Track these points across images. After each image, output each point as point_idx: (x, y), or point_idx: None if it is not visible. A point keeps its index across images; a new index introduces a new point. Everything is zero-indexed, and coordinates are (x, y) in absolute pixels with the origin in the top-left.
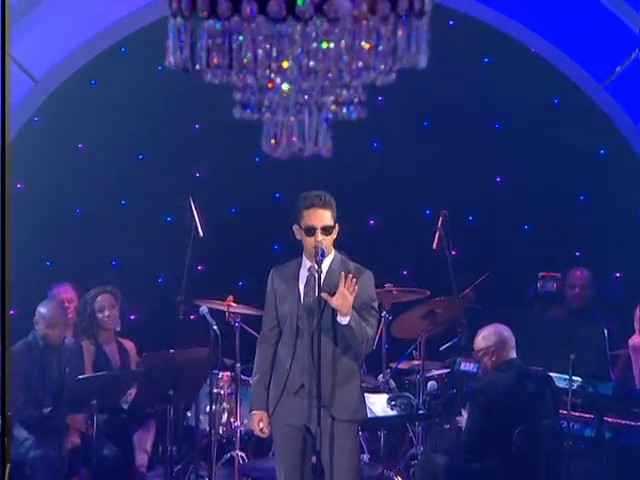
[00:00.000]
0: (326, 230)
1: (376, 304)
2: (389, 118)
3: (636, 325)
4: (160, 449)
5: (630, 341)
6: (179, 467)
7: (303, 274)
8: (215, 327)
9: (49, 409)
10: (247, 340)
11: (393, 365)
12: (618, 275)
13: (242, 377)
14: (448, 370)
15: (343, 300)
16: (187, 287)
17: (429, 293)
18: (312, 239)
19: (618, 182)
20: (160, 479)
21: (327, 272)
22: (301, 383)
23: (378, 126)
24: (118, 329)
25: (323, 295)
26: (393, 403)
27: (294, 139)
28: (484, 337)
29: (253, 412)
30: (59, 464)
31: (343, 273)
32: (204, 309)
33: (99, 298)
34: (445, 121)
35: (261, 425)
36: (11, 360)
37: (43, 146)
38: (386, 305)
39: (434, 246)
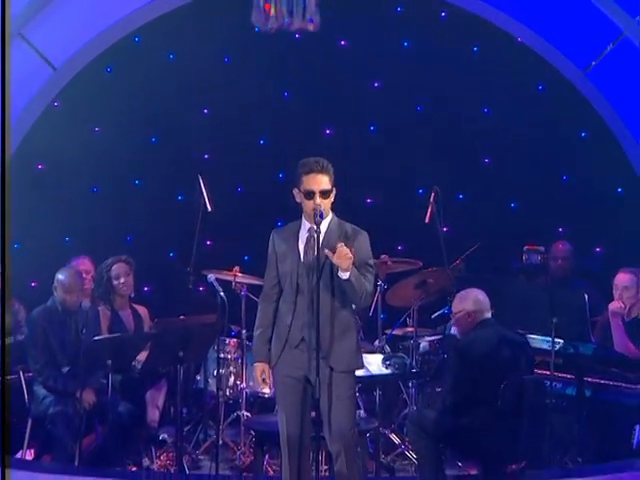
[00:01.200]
0: (324, 194)
1: (372, 262)
2: (385, 103)
3: (615, 292)
4: (172, 411)
5: (610, 306)
6: (189, 427)
7: (303, 235)
8: (222, 293)
9: (67, 368)
10: (252, 308)
11: (388, 331)
12: (598, 249)
13: (247, 343)
14: (440, 336)
15: (344, 257)
16: (196, 260)
17: (421, 264)
18: (311, 202)
19: (598, 163)
20: (171, 438)
21: (326, 232)
22: (301, 337)
23: (374, 111)
24: (132, 295)
25: (326, 252)
26: (388, 362)
27: (283, 12)
28: (461, 300)
29: (255, 364)
30: (77, 420)
31: (341, 244)
32: (212, 276)
33: (115, 266)
34: (437, 106)
35: (263, 376)
36: (31, 324)
37: (62, 129)
38: (381, 275)
39: (427, 220)
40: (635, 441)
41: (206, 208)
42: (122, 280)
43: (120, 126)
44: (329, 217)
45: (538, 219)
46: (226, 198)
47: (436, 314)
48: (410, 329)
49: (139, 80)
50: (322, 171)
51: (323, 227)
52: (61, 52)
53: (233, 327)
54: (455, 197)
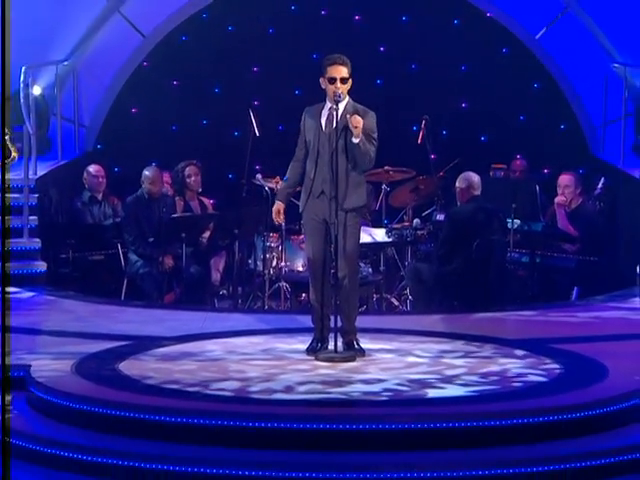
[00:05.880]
0: (343, 80)
1: (376, 135)
2: (388, 62)
3: (559, 189)
4: (231, 289)
5: (555, 200)
6: (241, 299)
7: (324, 112)
8: (267, 188)
9: (152, 239)
10: (290, 208)
11: (390, 225)
12: (546, 171)
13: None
14: (429, 229)
15: (357, 122)
16: (248, 175)
17: (415, 173)
18: (333, 86)
19: (546, 107)
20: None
21: (343, 111)
22: (322, 189)
23: (380, 68)
24: (200, 190)
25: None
26: (389, 234)
27: None
28: (459, 180)
29: (276, 202)
30: (160, 279)
31: (355, 114)
32: (259, 176)
33: (187, 168)
34: (427, 64)
35: (279, 211)
36: (126, 208)
37: (150, 83)
38: (385, 181)
39: (419, 141)
40: (573, 299)
41: (255, 134)
42: (193, 178)
43: (192, 80)
44: (345, 100)
45: (501, 148)
46: (271, 134)
47: (426, 212)
48: (406, 223)
49: (206, 45)
50: (342, 63)
51: (341, 106)
52: (149, 24)
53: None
54: (440, 132)
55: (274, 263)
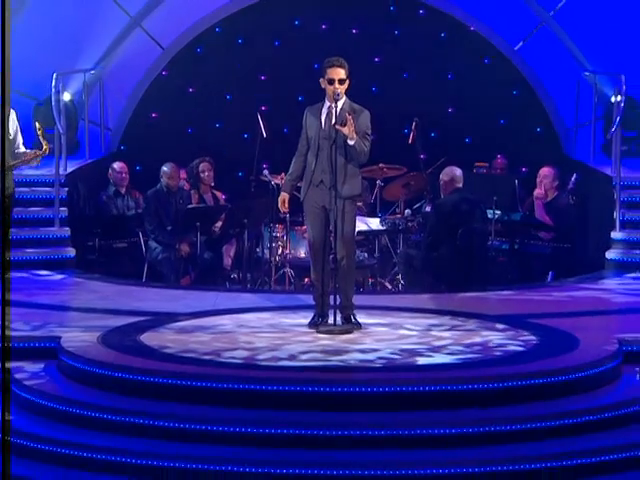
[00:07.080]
0: (341, 81)
1: (370, 132)
2: (382, 72)
3: (538, 181)
4: (240, 274)
5: (534, 192)
6: (249, 283)
7: (324, 111)
8: (273, 183)
9: (170, 228)
10: (295, 201)
11: (384, 217)
12: (524, 169)
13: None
14: (419, 219)
15: (350, 131)
16: (256, 173)
17: (406, 170)
18: (332, 87)
19: (524, 111)
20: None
21: (340, 110)
22: (321, 179)
23: (375, 77)
24: (212, 184)
25: (337, 127)
26: (383, 222)
27: None
28: (443, 174)
29: (282, 193)
30: (177, 264)
31: (350, 117)
32: (266, 171)
33: (201, 164)
34: (418, 73)
35: (284, 200)
36: (147, 200)
37: (168, 90)
38: (379, 177)
39: (410, 141)
40: (548, 281)
41: (262, 135)
42: (206, 173)
43: (206, 87)
44: (343, 99)
45: (484, 148)
46: (277, 136)
47: (416, 206)
48: (399, 215)
49: (218, 57)
50: (340, 65)
51: (339, 104)
52: (167, 38)
53: (281, 214)
54: (429, 134)
55: (279, 251)
